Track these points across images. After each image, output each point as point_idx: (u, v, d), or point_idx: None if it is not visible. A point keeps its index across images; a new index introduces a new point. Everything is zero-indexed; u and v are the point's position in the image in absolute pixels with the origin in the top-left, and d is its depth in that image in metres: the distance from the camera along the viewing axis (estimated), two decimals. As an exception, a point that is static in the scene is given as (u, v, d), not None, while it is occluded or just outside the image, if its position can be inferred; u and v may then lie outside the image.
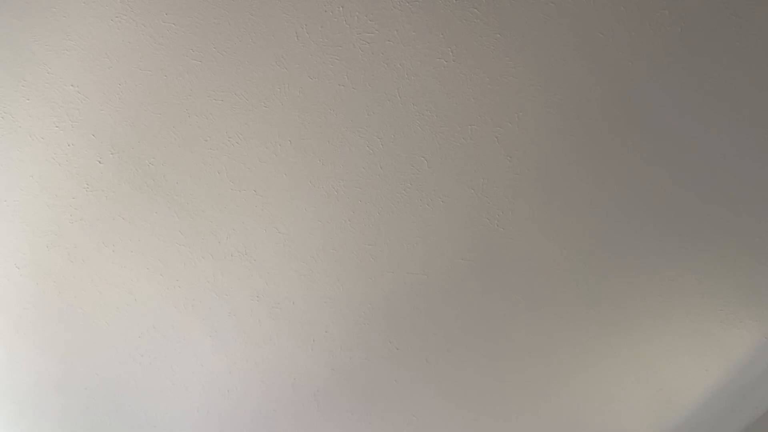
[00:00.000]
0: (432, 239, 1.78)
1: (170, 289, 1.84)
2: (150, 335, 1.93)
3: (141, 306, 1.87)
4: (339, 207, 1.72)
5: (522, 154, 1.64)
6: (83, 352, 1.95)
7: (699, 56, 1.48)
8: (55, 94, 1.51)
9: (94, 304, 1.85)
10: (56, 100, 1.52)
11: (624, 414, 2.30)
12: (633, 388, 2.21)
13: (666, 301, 1.95)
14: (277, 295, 1.87)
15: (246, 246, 1.77)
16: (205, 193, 1.68)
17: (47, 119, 1.54)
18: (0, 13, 1.40)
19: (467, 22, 1.44)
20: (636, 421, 2.33)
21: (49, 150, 1.59)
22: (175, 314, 1.89)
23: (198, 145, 1.60)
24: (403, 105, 1.56)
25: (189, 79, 1.51)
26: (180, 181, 1.66)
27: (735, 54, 1.47)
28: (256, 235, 1.76)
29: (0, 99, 1.51)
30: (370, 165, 1.65)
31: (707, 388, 2.25)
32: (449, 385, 2.13)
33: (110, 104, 1.53)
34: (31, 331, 1.90)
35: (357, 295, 1.89)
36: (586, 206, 1.73)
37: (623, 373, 2.15)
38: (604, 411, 2.27)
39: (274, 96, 1.54)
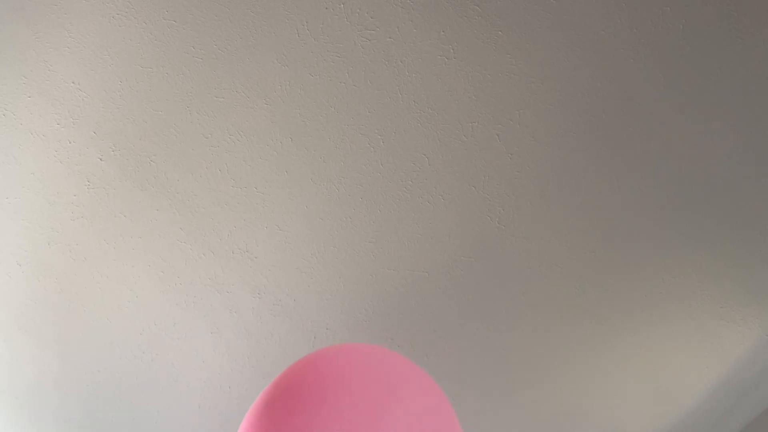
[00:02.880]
0: (433, 237, 1.78)
1: (171, 286, 1.84)
2: (151, 332, 1.93)
3: (142, 303, 1.87)
4: (340, 204, 1.72)
5: (523, 152, 1.64)
6: (84, 349, 1.96)
7: (700, 53, 1.47)
8: (56, 92, 1.51)
9: (95, 301, 1.85)
10: (57, 98, 1.52)
11: (625, 411, 2.30)
12: (633, 386, 2.21)
13: (667, 298, 1.95)
14: (278, 292, 1.87)
15: (247, 243, 1.77)
16: (206, 191, 1.68)
17: (48, 116, 1.54)
18: (0, 11, 1.40)
19: (468, 19, 1.43)
20: (637, 418, 2.34)
21: (50, 147, 1.59)
22: (176, 311, 1.90)
23: (199, 142, 1.61)
24: (404, 102, 1.56)
25: (190, 76, 1.51)
26: (181, 178, 1.66)
27: (736, 51, 1.47)
28: (257, 232, 1.76)
29: (1, 96, 1.51)
30: (371, 162, 1.65)
31: (708, 386, 2.25)
32: (449, 383, 2.13)
33: (111, 101, 1.53)
34: (32, 328, 1.90)
35: (358, 293, 1.89)
36: (587, 204, 1.73)
37: (624, 371, 2.15)
38: (604, 408, 2.27)
39: (275, 93, 1.54)
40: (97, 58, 1.47)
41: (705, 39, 1.45)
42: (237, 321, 1.93)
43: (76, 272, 1.79)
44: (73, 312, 1.87)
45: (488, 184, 1.69)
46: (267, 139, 1.61)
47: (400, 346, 2.01)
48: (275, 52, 1.48)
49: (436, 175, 1.67)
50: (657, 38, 1.45)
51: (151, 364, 2.00)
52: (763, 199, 1.73)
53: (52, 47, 1.45)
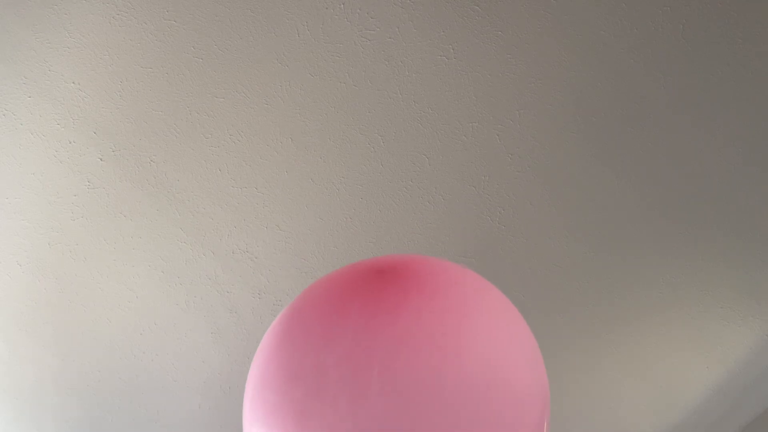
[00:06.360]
0: (433, 237, 1.78)
1: (171, 286, 1.84)
2: (151, 332, 1.93)
3: (142, 303, 1.87)
4: (340, 204, 1.72)
5: (523, 152, 1.64)
6: (84, 349, 1.96)
7: (700, 53, 1.47)
8: (56, 92, 1.51)
9: (95, 301, 1.85)
10: (57, 98, 1.52)
11: (624, 411, 2.30)
12: (634, 386, 2.21)
13: (667, 298, 1.95)
14: (278, 292, 1.87)
15: (247, 243, 1.77)
16: (207, 191, 1.68)
17: (48, 116, 1.54)
18: (1, 10, 1.40)
19: (468, 19, 1.43)
20: (637, 418, 2.34)
21: (50, 147, 1.59)
22: (176, 311, 1.90)
23: (199, 142, 1.61)
24: (405, 102, 1.56)
25: (190, 76, 1.51)
26: (181, 178, 1.66)
27: (736, 51, 1.47)
28: (258, 232, 1.76)
29: (1, 96, 1.51)
30: (372, 162, 1.65)
31: (708, 386, 2.25)
32: (450, 383, 2.12)
33: (111, 101, 1.53)
34: (32, 327, 1.90)
35: (358, 293, 1.89)
36: (587, 203, 1.73)
37: (624, 371, 2.15)
38: (604, 408, 2.27)
39: (275, 93, 1.54)
40: (97, 58, 1.47)
41: (705, 39, 1.45)
42: (237, 321, 1.93)
43: (76, 272, 1.79)
44: (73, 312, 1.87)
45: (488, 184, 1.69)
46: (267, 139, 1.61)
47: (400, 346, 2.01)
48: (275, 52, 1.48)
49: (436, 175, 1.67)
50: (657, 38, 1.45)
51: (151, 364, 2.00)
52: (764, 199, 1.73)
53: (53, 47, 1.45)
